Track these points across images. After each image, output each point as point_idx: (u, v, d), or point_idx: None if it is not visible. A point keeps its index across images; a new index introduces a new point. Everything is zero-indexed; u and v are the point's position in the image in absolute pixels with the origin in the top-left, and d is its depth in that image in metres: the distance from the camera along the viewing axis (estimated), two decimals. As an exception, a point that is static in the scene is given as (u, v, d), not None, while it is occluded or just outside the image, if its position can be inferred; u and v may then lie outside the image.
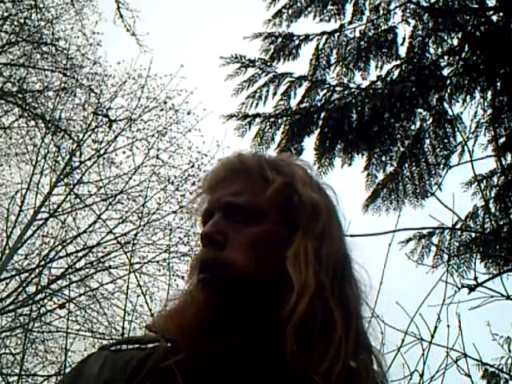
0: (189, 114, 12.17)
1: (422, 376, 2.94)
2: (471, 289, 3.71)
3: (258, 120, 4.22)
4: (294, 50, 4.37)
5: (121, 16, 11.32)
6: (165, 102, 12.32)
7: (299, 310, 1.00)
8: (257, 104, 4.28)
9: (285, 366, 0.99)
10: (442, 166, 4.40)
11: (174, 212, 11.59)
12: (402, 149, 4.40)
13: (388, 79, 4.27)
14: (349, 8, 4.47)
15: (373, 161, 4.42)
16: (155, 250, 11.36)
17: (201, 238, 1.08)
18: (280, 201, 1.09)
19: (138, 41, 11.52)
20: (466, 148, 4.27)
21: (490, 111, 4.36)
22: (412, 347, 3.01)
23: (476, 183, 4.42)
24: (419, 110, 4.34)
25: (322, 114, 4.21)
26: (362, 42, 4.37)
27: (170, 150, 12.13)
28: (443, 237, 4.46)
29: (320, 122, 4.22)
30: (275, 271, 1.04)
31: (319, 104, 4.26)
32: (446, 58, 4.27)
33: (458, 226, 4.43)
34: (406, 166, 4.43)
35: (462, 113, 4.38)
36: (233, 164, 1.15)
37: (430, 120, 4.37)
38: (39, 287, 10.97)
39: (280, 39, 4.37)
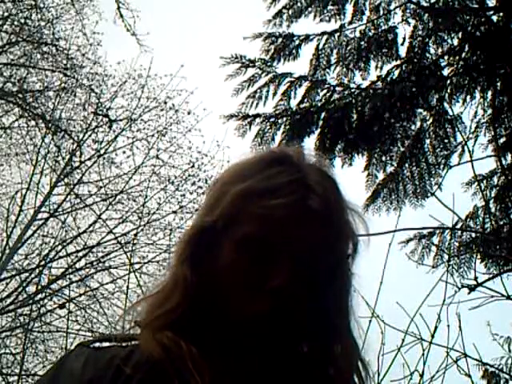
0: (189, 114, 12.19)
1: (422, 376, 2.94)
2: (471, 289, 3.71)
3: (258, 120, 4.22)
4: (294, 50, 4.38)
5: (121, 16, 11.35)
6: (165, 102, 12.34)
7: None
8: (257, 104, 4.29)
9: None
10: (442, 166, 4.40)
11: (174, 212, 11.61)
12: (402, 149, 4.40)
13: (388, 79, 4.28)
14: (349, 8, 4.48)
15: (373, 161, 4.42)
16: (155, 249, 11.38)
17: None
18: None
19: (139, 41, 11.55)
20: (466, 148, 4.28)
21: (490, 111, 4.36)
22: (412, 347, 3.01)
23: (476, 183, 4.42)
24: (419, 110, 4.34)
25: (323, 114, 4.22)
26: (362, 42, 4.37)
27: (170, 150, 12.16)
28: (443, 237, 4.46)
29: (320, 122, 4.22)
30: None
31: (319, 104, 4.26)
32: (446, 58, 4.28)
33: (458, 226, 4.43)
34: (407, 166, 4.43)
35: (462, 113, 4.38)
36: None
37: (430, 120, 4.37)
38: (39, 287, 10.98)
39: (280, 39, 4.37)
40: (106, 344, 1.06)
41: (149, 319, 1.05)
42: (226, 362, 1.02)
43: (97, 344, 1.06)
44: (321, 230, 1.03)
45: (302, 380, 1.05)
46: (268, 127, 4.22)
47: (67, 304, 10.17)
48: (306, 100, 4.28)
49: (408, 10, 4.42)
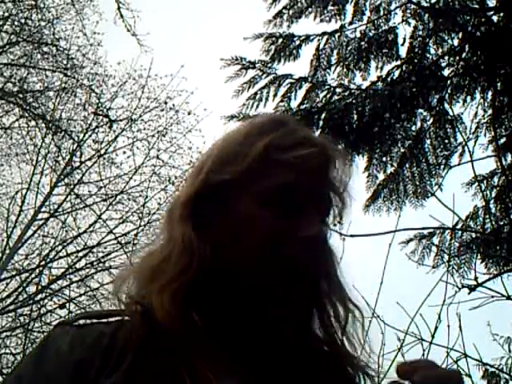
0: (189, 114, 12.20)
1: (422, 376, 2.93)
2: (471, 289, 3.71)
3: (258, 121, 4.21)
4: (294, 51, 4.38)
5: (121, 16, 11.35)
6: (165, 103, 12.34)
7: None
8: (257, 105, 4.29)
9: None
10: (442, 167, 4.40)
11: (175, 212, 11.58)
12: (402, 149, 4.40)
13: (388, 80, 4.28)
14: (349, 8, 4.48)
15: (373, 161, 4.42)
16: (156, 250, 11.35)
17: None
18: None
19: (139, 41, 11.56)
20: (466, 148, 4.28)
21: (490, 111, 4.36)
22: (412, 347, 3.02)
23: (476, 183, 4.42)
24: (420, 111, 4.34)
25: (323, 115, 4.21)
26: (363, 43, 4.37)
27: (170, 151, 12.17)
28: (444, 237, 4.46)
29: (320, 123, 4.22)
30: None
31: (320, 105, 4.26)
32: (446, 58, 4.28)
33: (458, 227, 4.43)
34: (407, 166, 4.43)
35: (462, 113, 4.38)
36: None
37: (431, 120, 4.37)
38: (39, 287, 10.97)
39: (281, 40, 4.37)
40: (89, 321, 1.02)
41: (153, 286, 1.01)
42: (233, 335, 0.99)
43: (79, 322, 1.02)
44: (340, 180, 1.09)
45: (309, 354, 1.04)
46: (269, 128, 4.21)
47: (67, 304, 10.17)
48: (306, 101, 4.28)
49: (408, 11, 4.42)
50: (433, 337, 3.00)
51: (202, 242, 1.01)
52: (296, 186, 1.02)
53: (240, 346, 0.99)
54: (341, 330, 1.07)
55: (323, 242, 1.04)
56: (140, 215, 11.48)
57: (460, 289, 3.56)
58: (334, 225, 1.12)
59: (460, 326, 2.98)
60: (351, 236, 3.24)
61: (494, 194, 4.50)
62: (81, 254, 11.36)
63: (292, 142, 1.04)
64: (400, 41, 4.36)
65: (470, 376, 3.12)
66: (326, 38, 4.41)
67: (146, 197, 11.67)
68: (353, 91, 4.28)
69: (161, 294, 0.99)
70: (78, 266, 11.34)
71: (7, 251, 11.18)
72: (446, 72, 4.31)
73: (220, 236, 1.02)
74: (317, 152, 1.04)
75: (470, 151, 4.12)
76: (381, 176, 4.47)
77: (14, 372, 1.03)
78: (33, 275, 11.26)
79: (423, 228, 4.38)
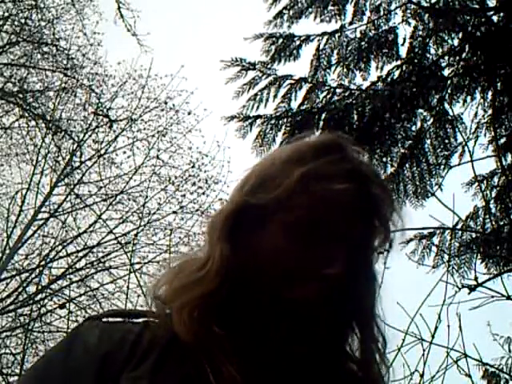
0: (189, 114, 12.20)
1: (422, 376, 2.94)
2: (471, 289, 3.72)
3: (259, 121, 4.22)
4: (294, 51, 4.38)
5: (121, 16, 11.35)
6: (165, 103, 12.34)
7: None
8: (258, 107, 4.29)
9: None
10: (442, 167, 4.40)
11: (175, 212, 11.61)
12: (402, 149, 4.40)
13: (388, 80, 4.28)
14: (349, 8, 4.49)
15: (373, 161, 4.42)
16: (155, 250, 11.37)
17: None
18: None
19: (139, 41, 11.57)
20: (466, 148, 4.28)
21: (490, 111, 4.36)
22: (412, 347, 3.01)
23: (476, 183, 4.42)
24: (420, 111, 4.34)
25: (323, 115, 4.22)
26: (363, 43, 4.37)
27: (170, 151, 12.16)
28: (444, 237, 4.46)
29: (321, 123, 4.22)
30: None
31: (320, 105, 4.27)
32: (446, 58, 4.28)
33: (458, 227, 4.43)
34: (407, 166, 4.43)
35: (462, 113, 4.38)
36: None
37: (431, 120, 4.37)
38: (39, 287, 10.97)
39: (281, 40, 4.38)
40: (117, 319, 1.04)
41: (178, 298, 1.01)
42: (255, 348, 0.99)
43: (107, 319, 1.04)
44: (380, 219, 1.03)
45: (329, 375, 1.02)
46: (269, 128, 4.22)
47: (67, 304, 10.16)
48: (306, 102, 4.28)
49: (408, 11, 4.43)
50: (433, 337, 3.00)
51: (232, 261, 1.00)
52: (324, 221, 0.98)
53: (257, 356, 0.99)
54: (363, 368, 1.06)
55: (352, 281, 0.98)
56: (140, 215, 11.48)
57: (460, 289, 3.57)
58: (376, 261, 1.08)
59: (460, 326, 2.98)
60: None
61: (494, 194, 4.50)
62: (81, 254, 11.36)
63: (328, 173, 1.00)
64: (400, 41, 4.37)
65: (470, 376, 3.12)
66: (326, 38, 4.42)
67: (146, 197, 11.67)
68: (353, 91, 4.29)
69: (187, 307, 1.00)
70: (77, 266, 11.34)
71: (7, 251, 11.18)
72: (446, 72, 4.31)
73: (245, 256, 1.01)
74: (354, 188, 0.99)
75: (470, 151, 4.13)
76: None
77: (39, 364, 1.05)
78: (33, 275, 11.26)
79: (423, 228, 4.38)
